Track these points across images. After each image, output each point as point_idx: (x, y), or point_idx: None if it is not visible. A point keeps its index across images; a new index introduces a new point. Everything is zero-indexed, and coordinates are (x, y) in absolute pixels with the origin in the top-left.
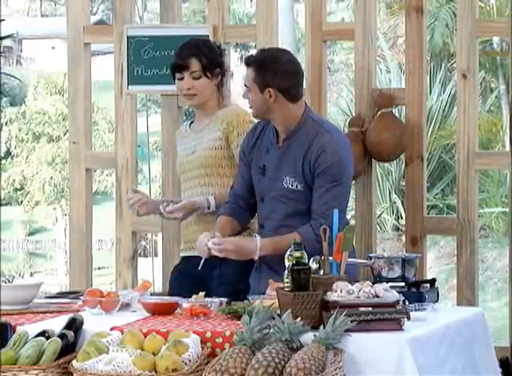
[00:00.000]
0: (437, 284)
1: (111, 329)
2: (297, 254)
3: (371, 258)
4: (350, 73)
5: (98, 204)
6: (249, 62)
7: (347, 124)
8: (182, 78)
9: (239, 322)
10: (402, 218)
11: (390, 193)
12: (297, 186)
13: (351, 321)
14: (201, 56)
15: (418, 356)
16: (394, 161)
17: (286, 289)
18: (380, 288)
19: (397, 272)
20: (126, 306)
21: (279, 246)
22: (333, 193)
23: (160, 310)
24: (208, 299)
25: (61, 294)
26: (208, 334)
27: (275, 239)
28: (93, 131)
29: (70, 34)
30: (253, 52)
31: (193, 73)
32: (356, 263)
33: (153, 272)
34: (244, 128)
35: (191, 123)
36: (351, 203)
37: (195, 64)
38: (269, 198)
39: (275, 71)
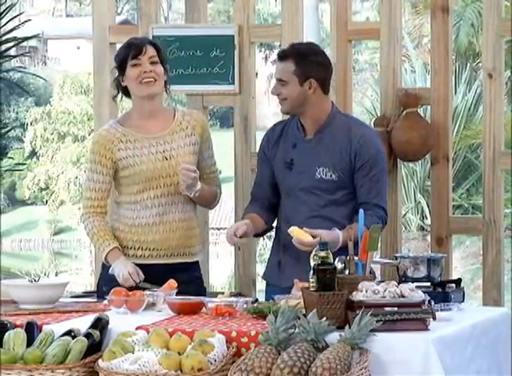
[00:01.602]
0: (462, 284)
1: (137, 328)
2: (323, 254)
3: (397, 258)
4: (375, 72)
5: None
6: (286, 54)
7: (372, 123)
8: (138, 64)
9: (264, 322)
10: (426, 218)
11: (415, 192)
12: (331, 176)
13: (377, 321)
14: (154, 44)
15: (444, 356)
16: (419, 161)
17: (312, 289)
18: (406, 288)
19: (422, 272)
20: (151, 306)
21: (350, 238)
22: (381, 183)
23: (186, 310)
24: (234, 299)
25: (87, 294)
26: (234, 334)
27: (345, 232)
28: None
29: (95, 34)
30: (277, 51)
31: (151, 57)
32: (382, 263)
33: None
34: (208, 132)
35: (118, 124)
36: None
37: (151, 50)
38: (297, 191)
39: (318, 62)
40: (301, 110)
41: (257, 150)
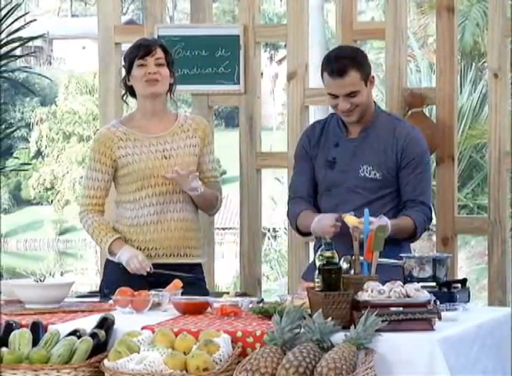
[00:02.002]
0: (468, 284)
1: (142, 328)
2: (328, 253)
3: (402, 258)
4: (380, 72)
5: None
6: (345, 68)
7: None
8: (144, 65)
9: (270, 322)
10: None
11: None
12: (375, 175)
13: (382, 321)
14: (164, 47)
15: (449, 356)
16: None
17: (317, 289)
18: (411, 288)
19: (428, 272)
20: (157, 306)
21: (398, 228)
22: (426, 181)
23: (191, 310)
24: (239, 299)
25: (92, 294)
26: (239, 334)
27: (393, 221)
28: None
29: (100, 34)
30: (282, 52)
31: (158, 59)
32: (387, 263)
33: None
34: (211, 137)
35: (120, 123)
36: None
37: (159, 52)
38: (340, 189)
39: (366, 59)
40: (365, 113)
41: (262, 150)
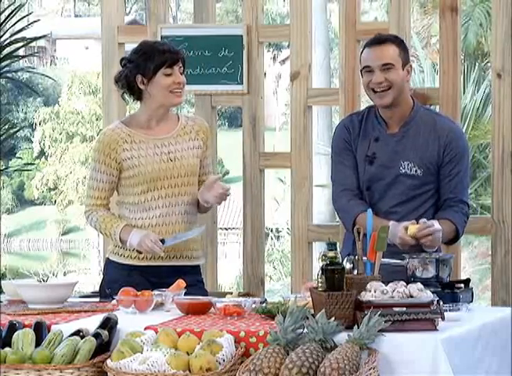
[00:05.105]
0: (471, 284)
1: (145, 328)
2: (331, 254)
3: (405, 258)
4: None
5: None
6: (385, 39)
7: None
8: (171, 74)
9: (273, 322)
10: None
11: None
12: (416, 171)
13: (385, 321)
14: (183, 54)
15: (453, 357)
16: None
17: (320, 289)
18: (415, 288)
19: (431, 272)
20: (160, 306)
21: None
22: (466, 178)
23: (194, 310)
24: (242, 299)
25: (95, 294)
26: (242, 334)
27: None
28: None
29: (104, 34)
30: (286, 52)
31: (180, 68)
32: (390, 263)
33: None
34: (211, 140)
35: (124, 124)
36: None
37: (181, 59)
38: (379, 186)
39: (407, 48)
40: (398, 100)
41: (265, 150)
